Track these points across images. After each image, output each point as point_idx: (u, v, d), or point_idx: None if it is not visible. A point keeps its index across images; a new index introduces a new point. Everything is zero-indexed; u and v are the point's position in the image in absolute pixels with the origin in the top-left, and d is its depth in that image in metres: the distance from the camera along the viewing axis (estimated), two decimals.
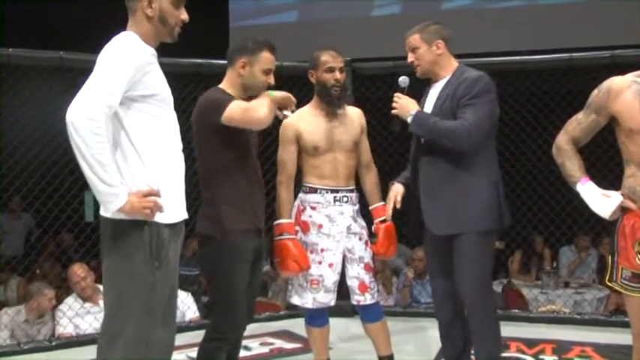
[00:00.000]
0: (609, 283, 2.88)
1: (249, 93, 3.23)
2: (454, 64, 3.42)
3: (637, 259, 2.75)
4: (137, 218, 2.45)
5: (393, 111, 3.38)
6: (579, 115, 2.95)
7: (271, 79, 3.23)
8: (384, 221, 3.62)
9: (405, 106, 3.34)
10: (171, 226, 2.56)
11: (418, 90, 3.51)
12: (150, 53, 2.54)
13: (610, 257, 2.87)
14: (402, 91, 3.39)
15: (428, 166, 3.37)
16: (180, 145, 2.67)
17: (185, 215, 2.66)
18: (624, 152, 2.85)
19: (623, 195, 2.83)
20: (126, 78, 2.40)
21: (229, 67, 3.25)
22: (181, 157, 2.68)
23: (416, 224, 3.49)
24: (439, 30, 3.41)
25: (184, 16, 2.63)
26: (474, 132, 3.18)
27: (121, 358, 2.48)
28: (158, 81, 2.56)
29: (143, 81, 2.47)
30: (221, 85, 3.25)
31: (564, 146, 2.95)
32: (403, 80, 3.41)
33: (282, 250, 3.47)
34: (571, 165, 2.93)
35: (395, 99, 3.37)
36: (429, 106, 3.39)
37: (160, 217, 2.50)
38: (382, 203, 3.64)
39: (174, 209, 2.57)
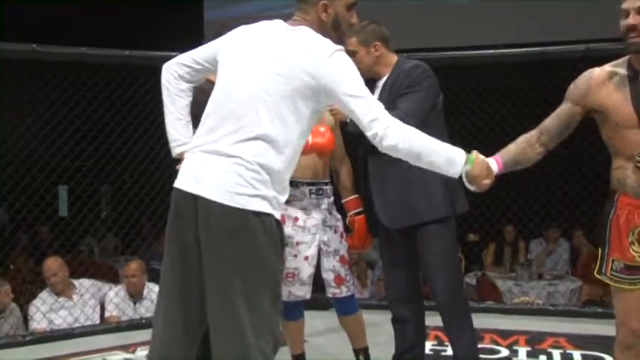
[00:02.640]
0: (598, 276, 2.85)
1: None
2: (394, 59, 3.42)
3: (631, 249, 2.71)
4: (265, 210, 2.38)
5: (332, 116, 3.46)
6: (558, 109, 2.94)
7: None
8: (358, 214, 3.62)
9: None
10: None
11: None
12: None
13: (600, 250, 2.83)
14: None
15: (374, 161, 3.37)
16: None
17: None
18: (612, 146, 2.80)
19: (613, 187, 2.80)
20: None
21: None
22: None
23: (370, 220, 3.52)
24: (376, 30, 3.40)
25: (355, 19, 2.63)
26: (408, 120, 3.16)
27: (254, 347, 2.38)
28: None
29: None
30: (210, 77, 3.20)
31: (524, 135, 2.96)
32: None
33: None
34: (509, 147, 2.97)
35: (328, 107, 3.39)
36: None
37: (278, 210, 2.45)
38: (355, 196, 3.65)
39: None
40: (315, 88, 2.39)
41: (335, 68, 2.40)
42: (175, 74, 2.71)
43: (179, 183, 2.44)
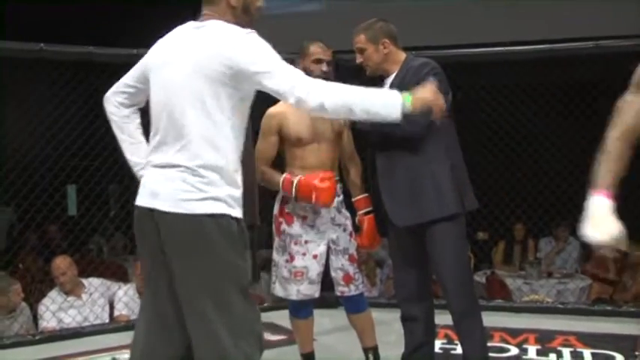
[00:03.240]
0: None
1: None
2: (402, 56, 3.41)
3: None
4: (221, 212, 2.41)
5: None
6: (627, 98, 2.30)
7: None
8: (367, 213, 3.61)
9: None
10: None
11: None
12: None
13: None
14: None
15: (383, 159, 3.37)
16: None
17: None
18: None
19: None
20: None
21: None
22: None
23: (379, 219, 3.52)
24: (384, 28, 3.39)
25: (261, 3, 2.64)
26: (418, 117, 3.18)
27: (245, 353, 2.44)
28: None
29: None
30: None
31: (610, 145, 2.26)
32: None
33: (307, 188, 3.41)
34: (602, 168, 2.26)
35: None
36: None
37: (238, 211, 2.48)
38: (365, 195, 3.64)
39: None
40: (233, 75, 2.40)
41: (245, 51, 2.41)
42: (115, 103, 2.76)
43: (138, 200, 2.52)
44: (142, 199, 2.50)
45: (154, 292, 2.57)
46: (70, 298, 5.07)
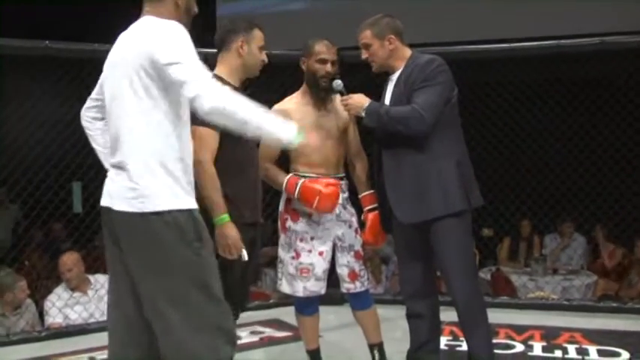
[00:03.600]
0: None
1: (249, 73, 3.24)
2: (408, 53, 3.41)
3: None
4: (173, 207, 2.45)
5: (346, 111, 3.43)
6: None
7: (265, 57, 3.23)
8: (373, 209, 3.61)
9: (356, 103, 3.35)
10: (197, 211, 2.57)
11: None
12: None
13: None
14: (342, 93, 3.42)
15: (389, 157, 3.37)
16: None
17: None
18: None
19: None
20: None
21: (224, 51, 3.19)
22: None
23: (383, 215, 3.52)
24: (390, 24, 3.39)
25: (196, 8, 2.72)
26: (426, 115, 3.18)
27: (211, 345, 2.47)
28: None
29: None
30: (217, 72, 3.18)
31: None
32: (338, 84, 3.44)
33: (310, 193, 3.42)
34: None
35: (342, 102, 3.39)
36: (387, 98, 3.40)
37: (191, 203, 2.52)
38: (371, 191, 3.64)
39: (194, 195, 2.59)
40: (154, 67, 2.43)
41: (162, 42, 2.44)
42: (88, 119, 2.91)
43: (101, 200, 2.60)
44: (102, 199, 2.58)
45: (116, 290, 2.65)
46: (76, 294, 5.08)
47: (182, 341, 2.45)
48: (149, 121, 2.46)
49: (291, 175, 3.52)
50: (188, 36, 2.47)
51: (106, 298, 5.03)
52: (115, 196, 2.50)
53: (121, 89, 2.49)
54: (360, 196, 3.69)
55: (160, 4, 2.60)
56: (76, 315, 5.00)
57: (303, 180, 3.45)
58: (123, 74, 2.49)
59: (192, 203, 2.53)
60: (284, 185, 3.51)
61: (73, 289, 5.09)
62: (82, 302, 5.07)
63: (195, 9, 2.71)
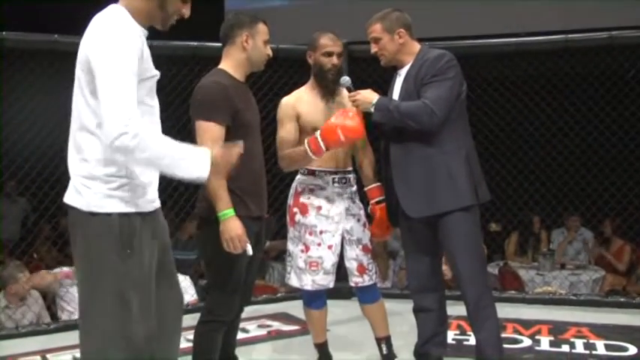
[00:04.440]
0: None
1: (254, 67, 3.25)
2: (417, 47, 3.42)
3: None
4: (108, 211, 2.38)
5: (356, 107, 3.38)
6: None
7: (270, 51, 3.24)
8: (380, 202, 3.61)
9: (364, 98, 3.34)
10: (142, 215, 2.47)
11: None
12: (139, 34, 2.42)
13: None
14: (350, 89, 3.42)
15: (398, 151, 3.37)
16: (160, 128, 2.59)
17: (157, 205, 2.58)
18: None
19: None
20: (135, 70, 2.32)
21: (229, 45, 3.21)
22: None
23: (390, 209, 3.52)
24: (400, 18, 3.40)
25: (186, 11, 2.55)
26: (437, 110, 3.18)
27: (100, 350, 2.41)
28: (149, 61, 2.48)
29: (142, 65, 2.39)
30: (222, 66, 3.21)
31: None
32: (346, 81, 3.45)
33: (332, 129, 3.31)
34: None
35: (350, 98, 3.38)
36: (395, 93, 3.41)
37: (131, 207, 2.42)
38: (378, 184, 3.64)
39: (145, 198, 2.48)
40: (88, 65, 2.35)
41: (94, 48, 2.33)
42: None
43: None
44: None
45: None
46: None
47: (85, 352, 2.47)
48: (94, 118, 2.37)
49: (308, 137, 3.41)
50: (126, 39, 2.33)
51: None
52: (68, 190, 2.48)
53: (75, 84, 2.43)
54: (366, 189, 3.69)
55: None
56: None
57: (319, 130, 3.37)
58: (77, 68, 2.42)
59: (132, 207, 2.44)
60: (307, 148, 3.37)
61: None
62: None
63: (184, 11, 2.55)
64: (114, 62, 2.29)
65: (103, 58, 2.30)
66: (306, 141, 3.39)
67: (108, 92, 2.28)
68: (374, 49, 3.42)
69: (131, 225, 2.42)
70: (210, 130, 2.97)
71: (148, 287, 2.48)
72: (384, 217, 3.59)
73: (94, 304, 2.42)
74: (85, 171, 2.39)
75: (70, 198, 2.44)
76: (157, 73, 2.51)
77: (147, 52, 2.46)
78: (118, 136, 2.23)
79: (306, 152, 3.39)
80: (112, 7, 2.45)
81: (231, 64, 3.20)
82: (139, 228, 2.44)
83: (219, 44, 3.28)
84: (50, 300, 5.35)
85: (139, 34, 2.43)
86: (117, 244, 2.39)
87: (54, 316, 5.19)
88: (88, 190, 2.39)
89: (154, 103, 2.53)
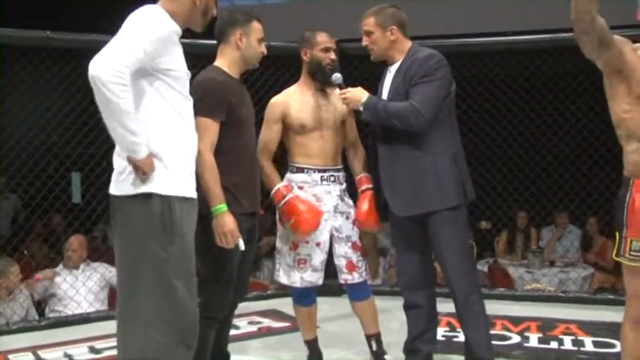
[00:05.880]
0: (616, 258, 2.91)
1: (248, 65, 3.28)
2: (408, 45, 3.44)
3: None
4: (148, 191, 2.49)
5: (345, 104, 3.45)
6: None
7: (264, 49, 3.27)
8: (367, 190, 3.63)
9: (354, 96, 3.38)
10: (183, 200, 2.59)
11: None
12: (175, 30, 2.59)
13: (617, 233, 2.89)
14: (340, 87, 3.44)
15: (385, 150, 3.40)
16: (193, 126, 2.71)
17: (195, 195, 2.70)
18: (624, 127, 2.84)
19: (627, 172, 2.84)
20: (151, 45, 2.44)
21: (223, 43, 3.24)
22: (194, 135, 2.71)
23: (379, 205, 3.54)
24: (395, 14, 3.42)
25: (215, 11, 2.78)
26: (424, 111, 3.21)
27: (142, 337, 2.48)
28: (179, 59, 2.60)
29: (166, 55, 2.51)
30: (217, 64, 3.23)
31: None
32: (337, 77, 3.47)
33: (292, 211, 3.45)
34: None
35: (341, 95, 3.41)
36: (385, 90, 3.43)
37: (169, 189, 2.53)
38: (366, 174, 3.66)
39: (184, 183, 2.61)
40: None
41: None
42: None
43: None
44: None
45: None
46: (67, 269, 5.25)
47: (127, 337, 2.56)
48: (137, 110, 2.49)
49: (282, 184, 3.54)
50: (158, 23, 2.50)
51: (90, 284, 5.15)
52: (112, 180, 2.64)
53: None
54: (356, 179, 3.70)
55: (177, 0, 2.63)
56: (67, 285, 5.15)
57: (290, 196, 3.48)
58: None
59: (177, 192, 2.59)
60: (273, 192, 3.54)
61: (69, 269, 5.24)
62: (68, 279, 5.17)
63: (214, 12, 2.75)
64: (135, 26, 2.45)
65: (127, 24, 2.47)
66: (276, 188, 3.52)
67: (118, 40, 2.41)
68: (365, 41, 3.45)
69: (172, 209, 2.53)
70: (205, 125, 3.00)
71: (191, 269, 2.62)
72: (370, 205, 3.58)
73: (137, 291, 2.50)
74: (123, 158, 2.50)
75: (110, 187, 2.57)
76: (177, 69, 2.60)
77: (178, 50, 2.61)
78: (107, 68, 2.32)
79: (271, 189, 3.54)
80: (151, 5, 2.59)
81: (226, 62, 3.23)
82: (179, 212, 2.55)
83: (212, 41, 3.30)
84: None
85: (174, 30, 2.58)
86: (159, 230, 2.50)
87: (42, 313, 5.20)
88: (128, 176, 2.51)
89: (182, 94, 2.63)
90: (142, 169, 2.47)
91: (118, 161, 2.56)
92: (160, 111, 2.55)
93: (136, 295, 2.50)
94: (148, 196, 2.49)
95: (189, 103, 2.69)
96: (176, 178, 2.57)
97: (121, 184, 2.53)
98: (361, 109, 3.34)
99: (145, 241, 2.49)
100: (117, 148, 2.55)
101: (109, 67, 2.32)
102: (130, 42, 2.40)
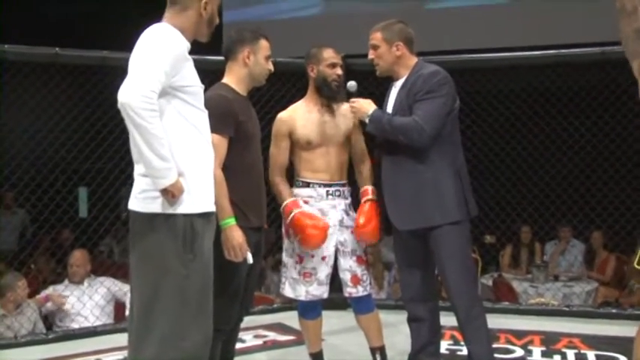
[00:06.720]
0: (638, 267, 2.91)
1: (255, 82, 3.33)
2: (413, 61, 3.48)
3: None
4: (174, 212, 2.52)
5: (352, 113, 3.51)
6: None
7: (271, 66, 3.32)
8: (369, 200, 3.64)
9: (362, 107, 3.44)
10: (204, 216, 2.62)
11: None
12: (186, 46, 2.64)
13: None
14: (353, 95, 3.51)
15: (389, 164, 3.44)
16: (209, 139, 2.75)
17: (214, 207, 2.73)
18: None
19: None
20: (169, 65, 2.49)
21: (231, 61, 3.29)
22: (210, 150, 2.75)
23: (383, 220, 3.57)
24: (402, 30, 3.47)
25: (217, 20, 2.80)
26: (427, 127, 3.25)
27: (155, 352, 2.51)
28: (192, 74, 2.65)
29: (180, 72, 2.56)
30: (225, 81, 3.28)
31: None
32: (352, 85, 3.53)
33: (297, 226, 3.48)
34: None
35: (350, 104, 3.47)
36: (390, 104, 3.48)
37: (191, 208, 2.56)
38: (371, 187, 3.67)
39: (205, 199, 2.64)
40: None
41: (137, 45, 2.54)
42: None
43: None
44: None
45: None
46: (72, 286, 5.28)
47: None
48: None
49: (291, 199, 3.58)
50: (172, 42, 2.55)
51: (96, 298, 5.19)
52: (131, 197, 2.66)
53: None
54: (361, 190, 3.72)
55: (182, 14, 2.68)
56: (74, 299, 5.18)
57: (298, 210, 3.51)
58: None
59: (198, 210, 2.62)
60: (283, 207, 3.57)
61: (74, 284, 5.27)
62: (75, 294, 5.20)
63: (217, 20, 2.79)
64: (151, 48, 2.50)
65: (141, 46, 2.51)
66: (286, 202, 3.55)
67: (139, 65, 2.46)
68: (371, 55, 3.49)
69: (194, 227, 2.56)
70: (213, 141, 3.03)
71: (208, 287, 2.62)
72: (369, 217, 3.58)
73: (155, 307, 2.53)
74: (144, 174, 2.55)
75: (131, 202, 2.60)
76: (192, 84, 2.66)
77: (191, 65, 2.65)
78: (136, 95, 2.38)
79: (281, 204, 3.58)
80: (160, 24, 2.64)
81: (234, 79, 3.28)
82: (200, 230, 2.59)
83: (219, 57, 3.35)
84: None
85: (186, 46, 2.63)
86: (180, 247, 2.53)
87: (50, 327, 5.23)
88: (147, 193, 2.55)
89: (198, 110, 2.69)
90: (171, 193, 2.50)
91: (142, 178, 2.58)
92: (179, 129, 2.58)
93: (154, 312, 2.52)
94: (172, 215, 2.53)
95: (204, 115, 2.73)
96: (198, 194, 2.60)
97: (144, 202, 2.56)
98: (367, 120, 3.39)
99: (166, 258, 2.52)
100: (140, 167, 2.57)
101: (138, 94, 2.38)
102: (152, 66, 2.45)
